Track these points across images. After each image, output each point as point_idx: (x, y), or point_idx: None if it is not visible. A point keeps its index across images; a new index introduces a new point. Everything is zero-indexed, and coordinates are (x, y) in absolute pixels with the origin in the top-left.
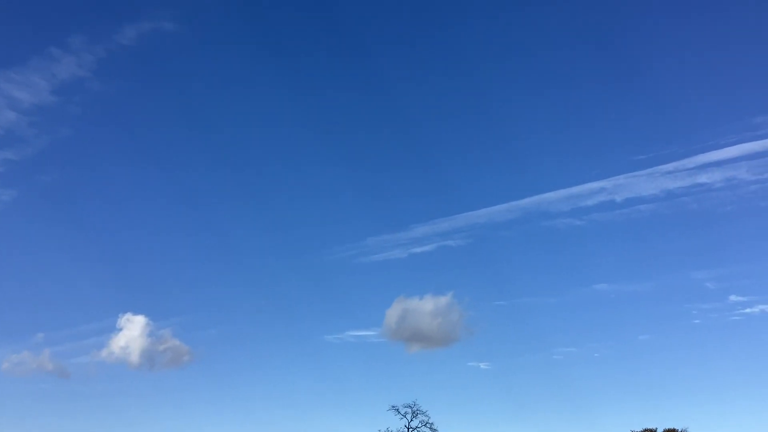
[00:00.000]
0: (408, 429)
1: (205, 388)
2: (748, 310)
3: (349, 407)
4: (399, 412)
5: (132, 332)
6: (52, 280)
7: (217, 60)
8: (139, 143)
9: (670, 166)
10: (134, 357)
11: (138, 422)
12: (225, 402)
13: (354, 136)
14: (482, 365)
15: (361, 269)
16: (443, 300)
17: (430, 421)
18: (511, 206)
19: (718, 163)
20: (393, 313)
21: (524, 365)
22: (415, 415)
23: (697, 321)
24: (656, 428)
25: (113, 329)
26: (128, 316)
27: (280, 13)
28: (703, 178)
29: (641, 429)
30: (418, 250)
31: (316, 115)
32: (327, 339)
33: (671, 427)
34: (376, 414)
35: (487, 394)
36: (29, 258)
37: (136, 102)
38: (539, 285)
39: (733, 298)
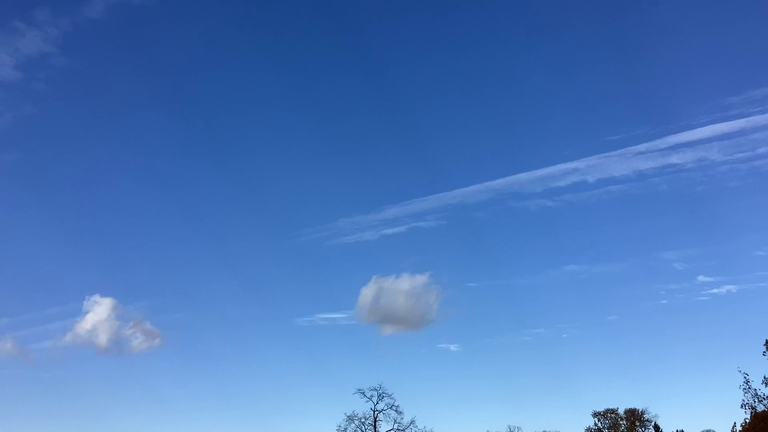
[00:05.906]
0: (374, 411)
1: (175, 371)
2: (715, 291)
3: (320, 390)
4: (365, 396)
5: (99, 315)
6: (14, 263)
7: (188, 34)
8: (106, 121)
9: (642, 147)
10: (102, 341)
11: (106, 408)
12: (195, 385)
13: (325, 119)
14: (452, 347)
15: (332, 251)
16: (415, 281)
17: (395, 404)
18: (484, 187)
19: (690, 144)
20: (365, 296)
21: (493, 346)
22: (381, 398)
23: (664, 301)
24: (617, 408)
25: (79, 312)
26: (95, 298)
27: None
28: (674, 159)
29: (604, 409)
30: (389, 231)
31: (287, 98)
32: (298, 322)
33: (632, 407)
34: (346, 397)
35: (456, 375)
36: None
37: (103, 78)
38: (511, 266)
39: (701, 278)
